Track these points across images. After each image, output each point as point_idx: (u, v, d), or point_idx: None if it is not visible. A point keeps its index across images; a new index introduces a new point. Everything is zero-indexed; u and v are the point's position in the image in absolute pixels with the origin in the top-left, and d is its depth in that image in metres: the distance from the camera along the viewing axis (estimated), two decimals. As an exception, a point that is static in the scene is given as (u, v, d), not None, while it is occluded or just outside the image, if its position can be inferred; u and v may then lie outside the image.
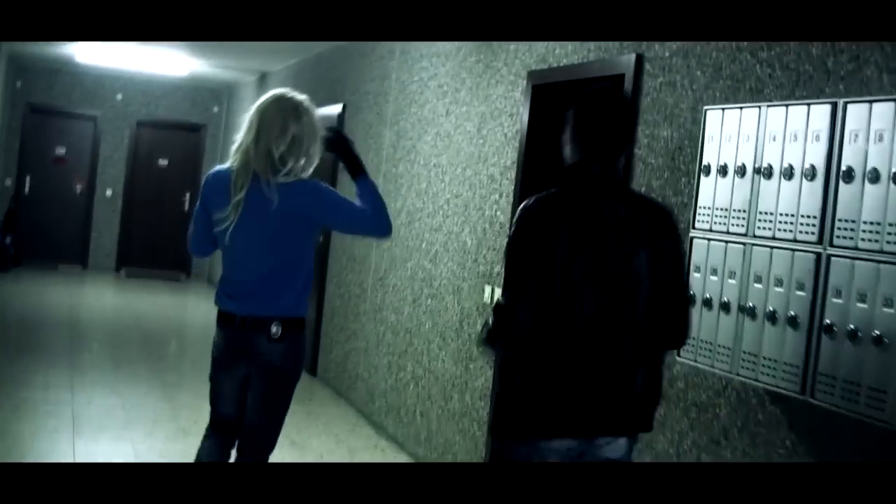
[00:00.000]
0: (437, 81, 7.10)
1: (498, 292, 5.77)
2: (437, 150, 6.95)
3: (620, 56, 4.85)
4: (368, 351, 7.95)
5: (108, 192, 16.24)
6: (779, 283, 3.35)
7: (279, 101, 3.98)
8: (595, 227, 3.04)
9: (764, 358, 3.40)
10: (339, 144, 4.19)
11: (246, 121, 4.00)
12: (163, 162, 16.47)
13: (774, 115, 3.45)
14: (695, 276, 3.73)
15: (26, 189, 15.93)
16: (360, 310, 8.24)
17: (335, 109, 9.47)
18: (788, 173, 3.35)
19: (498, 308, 3.04)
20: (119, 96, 16.19)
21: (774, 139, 3.42)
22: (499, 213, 5.94)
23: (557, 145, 3.37)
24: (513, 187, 5.74)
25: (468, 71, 6.57)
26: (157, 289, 14.89)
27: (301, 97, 4.04)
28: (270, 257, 3.95)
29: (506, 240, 3.21)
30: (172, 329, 11.92)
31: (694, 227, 3.79)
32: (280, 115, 3.93)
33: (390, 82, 8.13)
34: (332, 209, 4.00)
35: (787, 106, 3.42)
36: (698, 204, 3.79)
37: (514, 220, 3.10)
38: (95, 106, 16.15)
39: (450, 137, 6.74)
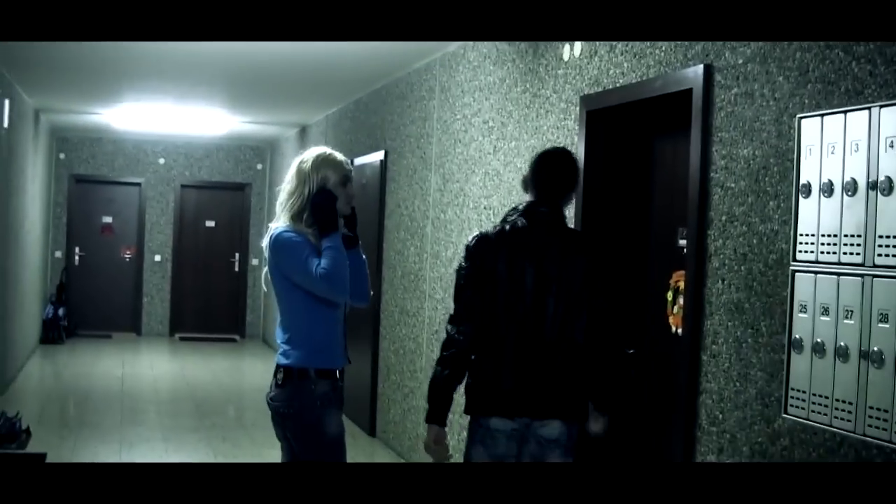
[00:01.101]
0: (482, 117, 6.55)
1: None
2: (487, 192, 6.40)
3: (685, 69, 4.25)
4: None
5: (157, 258, 16.03)
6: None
7: (304, 160, 4.13)
8: (532, 250, 3.88)
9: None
10: (318, 201, 4.02)
11: None
12: (210, 223, 16.26)
13: (890, 116, 2.81)
14: (800, 317, 3.09)
15: (76, 260, 15.80)
16: (417, 366, 7.66)
17: (377, 157, 9.10)
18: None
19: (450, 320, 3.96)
20: (161, 160, 15.98)
21: (893, 146, 2.78)
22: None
23: (621, 175, 4.16)
24: (572, 225, 5.13)
25: (514, 103, 6.02)
26: (210, 352, 14.52)
27: (320, 151, 4.13)
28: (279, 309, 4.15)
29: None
30: (226, 395, 11.43)
31: (795, 260, 3.16)
32: (300, 173, 4.09)
33: (432, 123, 7.61)
34: (287, 263, 3.96)
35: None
36: (798, 231, 3.16)
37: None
38: (138, 172, 15.93)
39: (500, 176, 6.21)
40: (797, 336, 3.08)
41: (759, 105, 3.79)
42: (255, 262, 16.25)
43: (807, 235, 3.11)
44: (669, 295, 4.61)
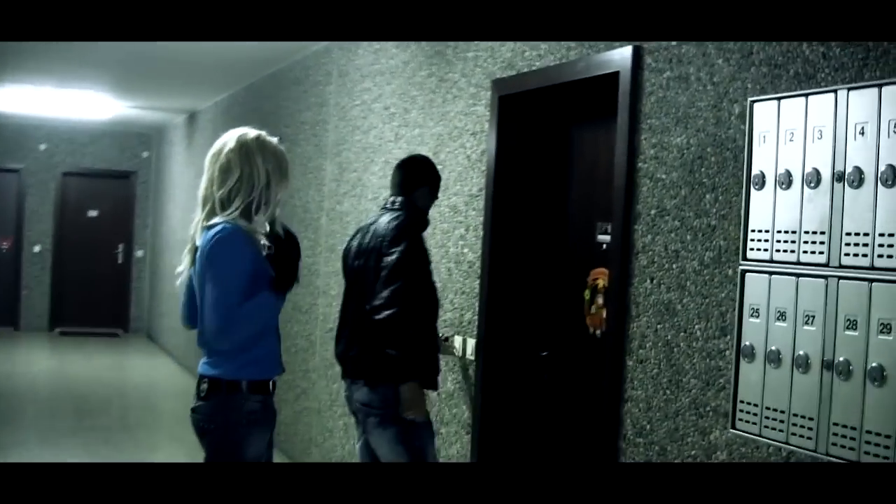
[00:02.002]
0: (383, 103, 6.15)
1: (472, 343, 4.81)
2: (387, 182, 5.97)
3: (611, 51, 3.91)
4: (321, 412, 6.91)
5: (37, 248, 15.31)
6: (885, 328, 2.37)
7: (229, 141, 3.65)
8: (364, 233, 4.50)
9: (872, 433, 2.41)
10: (286, 252, 3.62)
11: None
12: (93, 213, 15.62)
13: (860, 100, 2.47)
14: (752, 322, 2.75)
15: (-52, 250, 14.97)
16: (310, 365, 7.22)
17: None
18: (891, 177, 2.37)
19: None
20: (42, 146, 15.25)
21: (863, 133, 2.44)
22: (466, 249, 4.98)
23: (536, 165, 4.47)
24: (482, 218, 4.80)
25: (419, 87, 5.63)
26: (93, 348, 13.92)
27: (254, 134, 3.68)
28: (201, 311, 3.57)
29: (478, 281, 4.79)
30: (108, 393, 10.83)
31: (745, 258, 2.82)
32: (226, 158, 3.61)
33: (329, 109, 7.18)
34: (219, 266, 3.44)
35: (880, 87, 2.44)
36: (749, 226, 2.82)
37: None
38: (18, 158, 15.17)
39: None
40: (748, 343, 2.75)
41: (694, 90, 3.48)
42: (139, 253, 15.68)
43: (759, 231, 2.78)
44: (587, 294, 4.35)
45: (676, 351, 3.48)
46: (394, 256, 4.18)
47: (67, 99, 11.76)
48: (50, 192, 15.28)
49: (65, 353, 13.39)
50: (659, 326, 3.58)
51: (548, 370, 4.62)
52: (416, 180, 4.53)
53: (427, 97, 5.53)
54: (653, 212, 3.65)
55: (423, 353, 4.23)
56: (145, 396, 10.86)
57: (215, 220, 3.49)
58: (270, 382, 3.58)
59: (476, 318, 4.83)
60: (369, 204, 6.30)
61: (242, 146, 3.57)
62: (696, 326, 3.38)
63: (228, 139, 3.61)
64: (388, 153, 6.02)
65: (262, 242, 3.56)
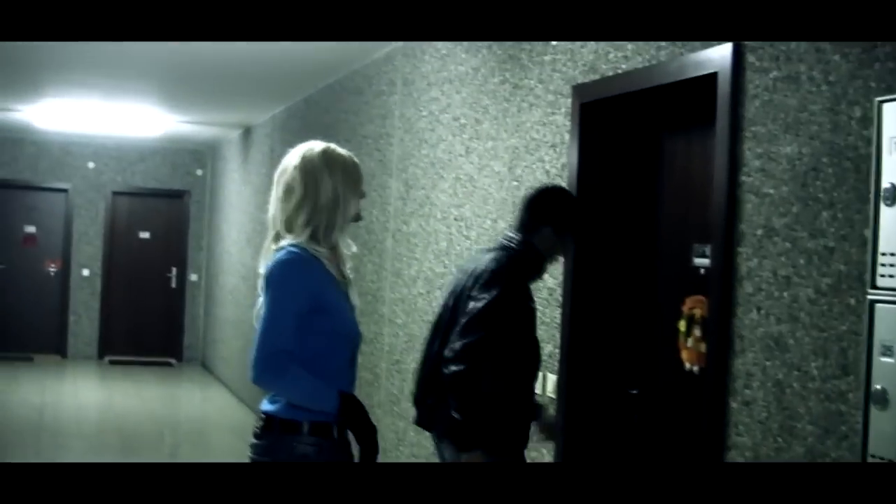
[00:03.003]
0: (452, 113, 5.99)
1: (553, 379, 4.64)
2: (459, 200, 5.84)
3: (708, 49, 3.70)
4: (387, 452, 6.73)
5: (86, 272, 15.40)
6: None
7: (294, 157, 3.52)
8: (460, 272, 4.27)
9: None
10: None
11: None
12: (144, 235, 15.68)
13: None
14: (883, 363, 2.51)
15: (-5, 274, 15.18)
16: (374, 401, 7.06)
17: None
18: None
19: None
20: (91, 164, 15.35)
21: None
22: (545, 275, 4.77)
23: (622, 180, 4.22)
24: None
25: (491, 95, 5.46)
26: (143, 378, 13.93)
27: (320, 147, 3.54)
28: None
29: (559, 311, 4.50)
30: (158, 427, 10.81)
31: (874, 287, 2.58)
32: (290, 176, 3.49)
33: (393, 121, 7.04)
34: (275, 289, 3.33)
35: None
36: (878, 249, 2.58)
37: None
38: (65, 177, 15.28)
39: (473, 182, 5.69)
40: (879, 387, 2.50)
41: (806, 91, 3.26)
42: (194, 277, 15.70)
43: (891, 255, 2.53)
44: (682, 325, 4.17)
45: (789, 392, 3.27)
46: (479, 304, 3.87)
47: (115, 113, 11.82)
48: (99, 212, 15.38)
49: (114, 383, 13.42)
50: (767, 363, 3.38)
51: (638, 411, 4.44)
52: (538, 217, 4.11)
53: (500, 106, 5.36)
54: (759, 232, 3.45)
55: (498, 419, 3.92)
56: (198, 431, 10.80)
57: (282, 243, 3.38)
58: (334, 427, 3.37)
59: (558, 351, 4.64)
60: (438, 224, 6.13)
61: (306, 163, 3.44)
62: (812, 364, 3.17)
63: (293, 156, 3.50)
64: (458, 168, 5.86)
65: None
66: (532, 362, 4.07)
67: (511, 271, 3.97)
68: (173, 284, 15.72)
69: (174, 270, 15.75)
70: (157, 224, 15.72)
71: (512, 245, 4.05)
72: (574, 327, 4.58)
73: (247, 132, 12.74)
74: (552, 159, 4.83)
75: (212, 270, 14.81)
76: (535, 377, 4.13)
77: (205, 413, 11.78)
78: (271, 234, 3.44)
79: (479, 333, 3.82)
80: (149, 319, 15.57)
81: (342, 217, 3.41)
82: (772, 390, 3.34)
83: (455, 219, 5.89)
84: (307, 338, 3.28)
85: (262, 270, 3.37)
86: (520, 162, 5.13)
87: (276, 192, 3.45)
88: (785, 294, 3.31)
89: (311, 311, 3.29)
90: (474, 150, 5.69)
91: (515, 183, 5.15)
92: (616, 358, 4.55)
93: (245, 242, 12.15)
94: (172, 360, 15.56)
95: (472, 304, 3.89)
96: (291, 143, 3.61)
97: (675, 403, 4.22)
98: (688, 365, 4.12)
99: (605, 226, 4.57)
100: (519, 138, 5.16)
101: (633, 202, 4.57)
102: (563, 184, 4.67)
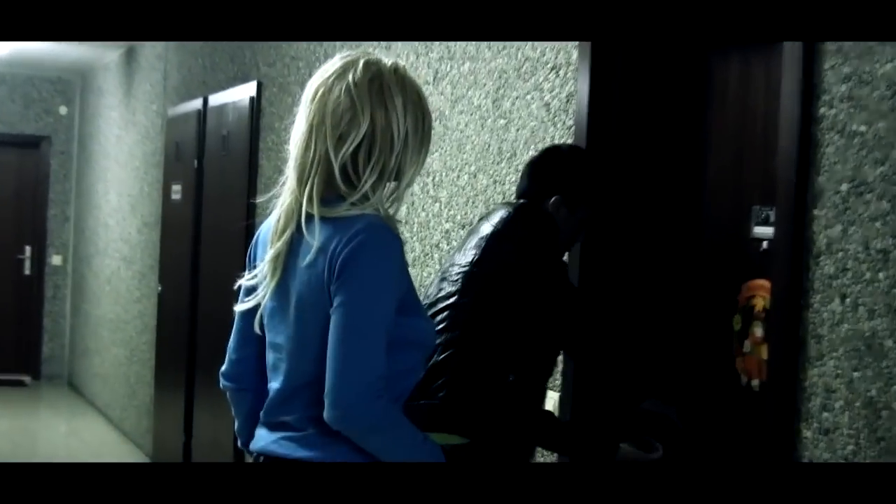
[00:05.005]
0: (415, 24, 6.07)
1: (555, 397, 4.81)
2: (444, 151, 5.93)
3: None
4: None
5: None
6: None
7: (348, 70, 3.43)
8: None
9: None
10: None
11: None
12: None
13: None
14: None
15: None
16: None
17: (245, 92, 9.07)
18: None
19: None
20: None
21: None
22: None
23: (648, 114, 4.52)
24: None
25: None
26: (-16, 404, 14.17)
27: (389, 63, 3.48)
28: (297, 356, 3.45)
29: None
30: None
31: None
32: (347, 97, 3.40)
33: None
34: (340, 297, 3.25)
35: None
36: None
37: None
38: None
39: (444, 121, 5.86)
40: None
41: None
42: (56, 260, 15.82)
43: None
44: (737, 321, 4.28)
45: (885, 416, 3.36)
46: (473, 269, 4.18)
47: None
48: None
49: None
50: (856, 374, 3.47)
51: (668, 441, 4.50)
52: (544, 185, 4.37)
53: (482, 13, 5.46)
54: (844, 188, 3.55)
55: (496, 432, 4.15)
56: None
57: (341, 207, 3.34)
58: None
59: (560, 359, 4.68)
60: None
61: (376, 78, 3.40)
62: (921, 376, 3.29)
63: (351, 65, 3.45)
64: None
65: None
66: (546, 363, 4.29)
67: (527, 230, 4.19)
68: (27, 270, 15.89)
69: (28, 251, 15.91)
70: (2, 185, 15.91)
71: (520, 205, 4.29)
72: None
73: (130, 53, 12.89)
74: (554, 88, 4.98)
75: (82, 251, 14.96)
76: (544, 387, 4.36)
77: (72, 452, 11.83)
78: (305, 187, 3.37)
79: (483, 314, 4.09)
80: (-10, 320, 15.86)
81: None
82: (861, 412, 3.43)
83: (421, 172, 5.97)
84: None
85: (274, 250, 3.38)
86: (509, 92, 5.30)
87: (313, 122, 3.40)
88: (881, 276, 3.40)
89: (397, 313, 3.32)
90: (445, 74, 5.85)
91: (503, 121, 5.30)
92: (642, 370, 4.61)
93: (129, 210, 12.25)
94: (26, 378, 15.74)
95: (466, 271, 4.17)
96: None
97: (724, 431, 4.34)
98: (744, 378, 4.22)
99: (626, 182, 4.69)
100: (507, 58, 5.32)
101: (668, 149, 4.69)
102: (570, 123, 4.82)
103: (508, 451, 4.19)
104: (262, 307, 3.45)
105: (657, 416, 4.34)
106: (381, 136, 3.32)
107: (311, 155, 3.35)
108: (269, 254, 3.40)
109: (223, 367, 3.68)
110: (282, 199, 3.44)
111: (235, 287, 3.60)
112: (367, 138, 3.31)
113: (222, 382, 3.65)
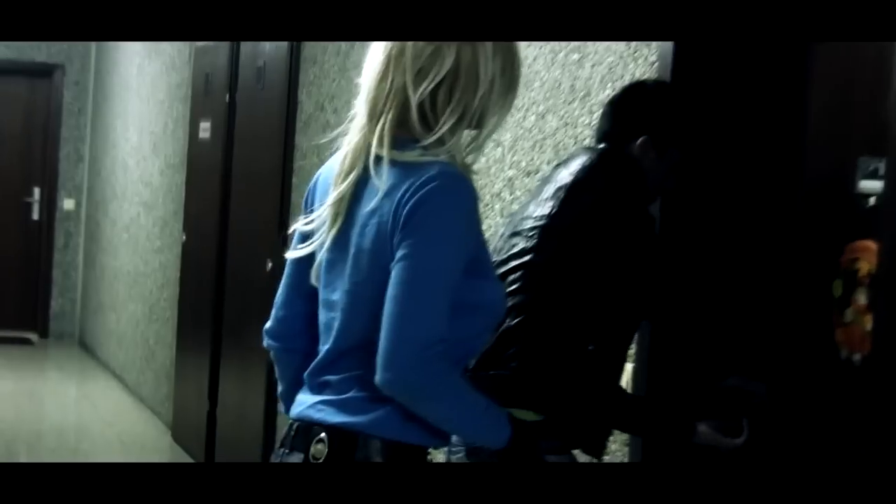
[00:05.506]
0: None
1: (628, 368, 4.78)
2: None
3: None
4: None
5: None
6: None
7: None
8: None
9: None
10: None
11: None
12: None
13: None
14: None
15: None
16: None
17: None
18: None
19: None
20: None
21: None
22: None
23: (740, 50, 4.65)
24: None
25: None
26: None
27: None
28: (350, 315, 3.46)
29: None
30: (8, 444, 10.85)
31: None
32: None
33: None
34: (403, 250, 3.27)
35: None
36: None
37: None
38: None
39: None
40: None
41: None
42: (69, 204, 15.88)
43: None
44: (837, 286, 4.27)
45: None
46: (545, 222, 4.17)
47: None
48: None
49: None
50: None
51: (758, 420, 4.49)
52: (629, 124, 4.37)
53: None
54: None
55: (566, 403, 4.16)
56: (72, 448, 10.89)
57: (414, 151, 3.36)
58: (428, 453, 3.48)
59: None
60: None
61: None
62: None
63: None
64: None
65: None
66: (626, 330, 4.32)
67: (610, 179, 4.19)
68: (35, 215, 16.00)
69: (37, 193, 16.01)
70: (9, 119, 15.97)
71: (603, 150, 4.30)
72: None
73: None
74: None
75: (97, 194, 15.02)
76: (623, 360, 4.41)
77: (82, 419, 11.91)
78: (377, 126, 3.39)
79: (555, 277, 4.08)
80: (-6, 272, 15.91)
81: (497, 122, 3.44)
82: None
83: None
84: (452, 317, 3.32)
85: (337, 193, 3.40)
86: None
87: (389, 55, 3.42)
88: None
89: (465, 274, 3.33)
90: None
91: (576, 56, 5.33)
92: (728, 341, 4.63)
93: (151, 150, 12.25)
94: (32, 336, 15.88)
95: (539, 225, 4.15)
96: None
97: (820, 411, 4.35)
98: (844, 351, 4.22)
99: (716, 132, 4.65)
100: None
101: (763, 91, 4.67)
102: (652, 56, 4.85)
103: (584, 429, 4.23)
104: (318, 258, 3.47)
105: (742, 393, 4.34)
106: (465, 74, 3.34)
107: (387, 88, 3.36)
108: (332, 196, 3.41)
109: (268, 324, 3.68)
110: (349, 137, 3.44)
111: (290, 231, 3.60)
112: (450, 75, 3.33)
113: (266, 341, 3.66)
